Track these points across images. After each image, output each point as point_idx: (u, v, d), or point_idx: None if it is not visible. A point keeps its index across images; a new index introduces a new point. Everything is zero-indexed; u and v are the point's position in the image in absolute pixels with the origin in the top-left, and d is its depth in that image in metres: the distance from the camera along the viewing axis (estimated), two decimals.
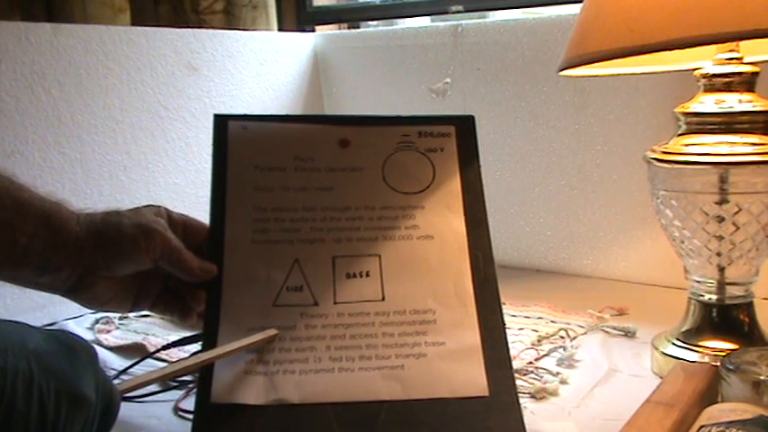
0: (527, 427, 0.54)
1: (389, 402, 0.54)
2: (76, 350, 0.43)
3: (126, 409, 0.64)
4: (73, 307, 0.60)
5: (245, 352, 0.55)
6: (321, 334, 0.57)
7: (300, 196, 0.62)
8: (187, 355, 0.72)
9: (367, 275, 0.60)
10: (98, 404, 0.43)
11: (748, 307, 0.69)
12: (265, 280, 0.59)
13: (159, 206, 0.60)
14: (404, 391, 0.54)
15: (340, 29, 1.37)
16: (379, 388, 0.54)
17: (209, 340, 0.56)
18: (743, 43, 0.66)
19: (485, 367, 0.56)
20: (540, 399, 0.66)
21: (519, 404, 0.54)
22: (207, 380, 0.54)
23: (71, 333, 0.45)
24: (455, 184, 0.64)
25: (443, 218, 0.62)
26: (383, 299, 0.59)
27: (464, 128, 0.66)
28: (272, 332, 0.56)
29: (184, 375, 0.68)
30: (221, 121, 0.64)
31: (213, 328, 0.56)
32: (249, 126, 0.64)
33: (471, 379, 0.55)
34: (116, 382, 0.53)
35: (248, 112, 1.12)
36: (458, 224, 0.62)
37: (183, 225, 0.60)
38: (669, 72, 0.79)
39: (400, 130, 0.65)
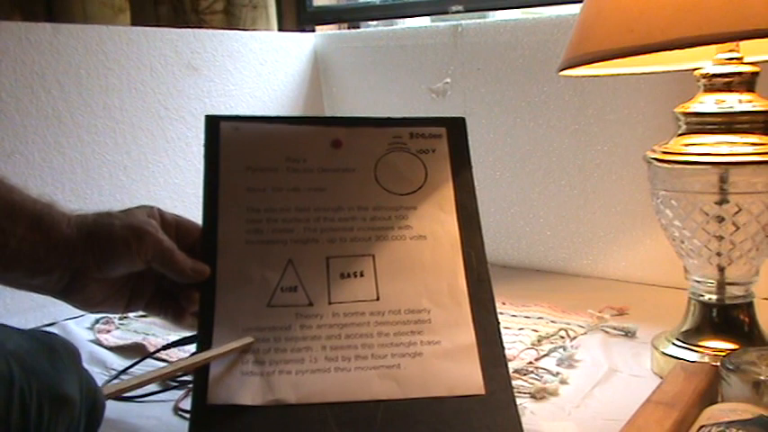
0: (527, 426, 0.54)
1: (386, 402, 0.54)
2: (57, 350, 0.42)
3: (125, 409, 0.65)
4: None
5: (241, 351, 0.55)
6: (316, 334, 0.57)
7: (293, 197, 0.62)
8: (187, 355, 0.72)
9: (361, 275, 0.60)
10: (82, 404, 0.42)
11: (748, 307, 0.69)
12: (259, 280, 0.59)
13: (152, 207, 0.60)
14: (401, 390, 0.54)
15: (340, 29, 1.37)
16: (375, 387, 0.54)
17: (203, 341, 0.56)
18: (743, 43, 0.66)
19: (480, 365, 0.56)
20: (540, 399, 0.66)
21: (515, 402, 0.54)
22: (203, 381, 0.54)
23: (52, 333, 0.44)
24: (447, 185, 0.64)
25: (436, 218, 0.62)
26: (378, 299, 0.59)
27: (455, 129, 0.66)
28: (247, 340, 0.56)
29: (178, 376, 0.68)
30: (213, 123, 0.64)
31: (208, 330, 0.56)
32: (241, 127, 0.64)
33: (467, 377, 0.55)
34: (114, 382, 0.52)
35: (247, 112, 1.13)
36: (450, 224, 0.62)
37: (175, 226, 0.60)
38: (669, 72, 0.79)
39: (392, 132, 0.66)
